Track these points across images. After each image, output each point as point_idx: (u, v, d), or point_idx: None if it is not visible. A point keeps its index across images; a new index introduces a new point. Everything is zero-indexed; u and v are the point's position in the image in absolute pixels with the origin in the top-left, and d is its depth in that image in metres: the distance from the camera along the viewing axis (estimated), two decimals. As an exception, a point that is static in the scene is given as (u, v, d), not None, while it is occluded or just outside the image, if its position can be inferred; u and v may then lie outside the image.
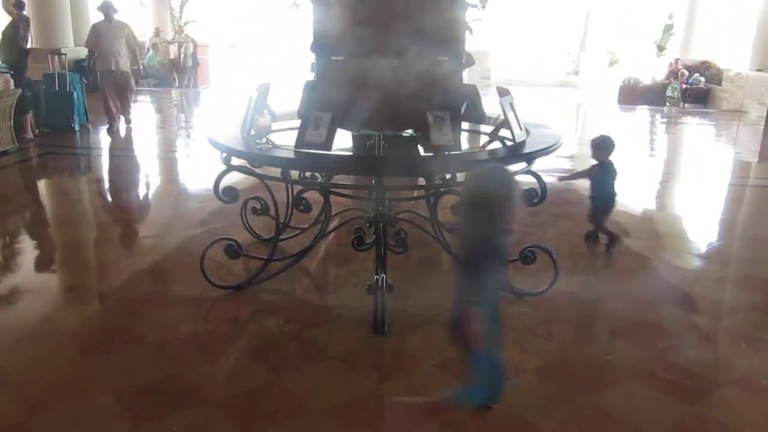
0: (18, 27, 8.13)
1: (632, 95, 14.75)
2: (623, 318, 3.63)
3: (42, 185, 6.85)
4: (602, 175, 4.64)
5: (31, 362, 3.10)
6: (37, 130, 8.50)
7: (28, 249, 4.86)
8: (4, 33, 8.26)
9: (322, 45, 3.86)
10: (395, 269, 3.76)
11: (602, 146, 4.64)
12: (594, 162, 4.67)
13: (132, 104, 9.67)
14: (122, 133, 9.26)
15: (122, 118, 9.37)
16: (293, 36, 17.45)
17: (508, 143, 3.77)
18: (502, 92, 3.75)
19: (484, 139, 4.17)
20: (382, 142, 3.32)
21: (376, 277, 3.45)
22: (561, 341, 3.42)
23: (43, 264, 4.56)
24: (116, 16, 9.00)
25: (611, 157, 4.65)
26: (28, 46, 8.48)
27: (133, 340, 3.33)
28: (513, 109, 3.73)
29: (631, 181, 6.24)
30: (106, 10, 8.86)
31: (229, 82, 16.39)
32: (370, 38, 3.63)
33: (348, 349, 3.26)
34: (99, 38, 8.82)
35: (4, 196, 6.09)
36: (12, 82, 7.55)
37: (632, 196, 6.05)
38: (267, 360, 3.15)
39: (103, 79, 9.01)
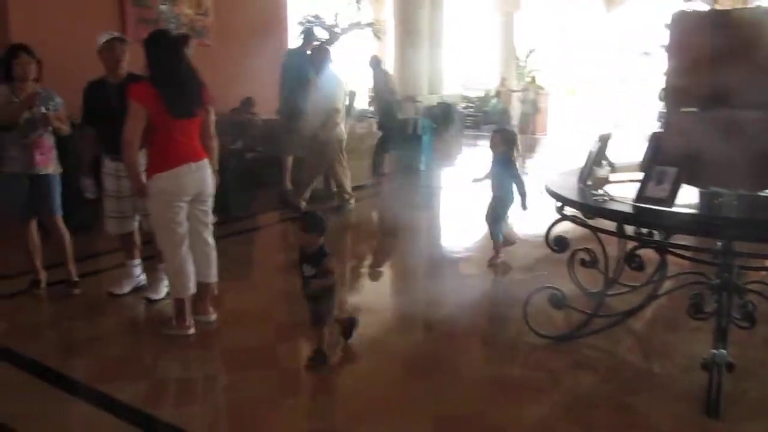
0: (388, 81, 9.36)
1: None
2: None
3: (388, 217, 7.64)
4: None
5: (359, 376, 3.48)
6: (388, 170, 9.49)
7: (371, 273, 5.47)
8: (375, 86, 9.55)
9: (673, 95, 3.65)
10: (737, 345, 3.33)
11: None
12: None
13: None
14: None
15: None
16: (636, 84, 16.81)
17: None
18: None
19: None
20: (735, 202, 3.00)
21: (713, 351, 3.10)
22: None
23: (381, 288, 5.08)
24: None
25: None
26: (396, 96, 9.67)
27: (450, 371, 3.51)
28: None
29: None
30: None
31: (567, 129, 16.43)
32: (729, 90, 3.33)
33: (672, 425, 2.99)
34: None
35: (356, 225, 6.96)
36: (375, 126, 8.65)
37: None
38: (579, 417, 3.05)
39: None
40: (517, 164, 5.35)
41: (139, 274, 4.62)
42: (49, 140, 4.40)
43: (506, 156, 5.28)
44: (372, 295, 4.95)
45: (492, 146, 5.39)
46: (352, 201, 7.24)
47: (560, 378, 3.49)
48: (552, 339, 3.78)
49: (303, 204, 7.04)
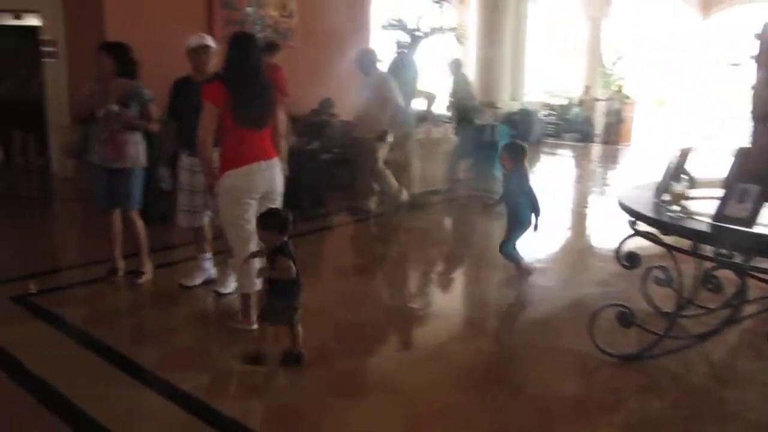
0: (467, 85, 9.28)
1: None
2: None
3: (460, 223, 7.58)
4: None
5: (420, 382, 3.44)
6: (463, 176, 9.42)
7: (441, 278, 5.43)
8: (455, 91, 9.48)
9: (760, 109, 3.45)
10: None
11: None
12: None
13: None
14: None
15: None
16: (727, 96, 16.02)
17: None
18: None
19: None
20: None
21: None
22: None
23: (448, 294, 5.04)
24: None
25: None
26: (474, 102, 9.57)
27: (512, 385, 3.44)
28: None
29: None
30: None
31: (652, 141, 15.85)
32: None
33: (744, 458, 2.82)
34: None
35: (427, 229, 6.94)
36: (451, 131, 8.60)
37: None
38: (644, 443, 2.92)
39: None
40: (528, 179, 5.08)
41: (209, 267, 4.77)
42: (124, 136, 4.56)
43: (517, 172, 5.04)
44: (440, 301, 4.91)
45: (501, 162, 5.21)
46: (403, 196, 7.15)
47: (626, 399, 3.36)
48: (619, 358, 3.64)
49: (371, 206, 7.07)
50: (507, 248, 5.06)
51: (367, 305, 4.68)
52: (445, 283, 5.38)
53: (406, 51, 9.02)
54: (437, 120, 8.76)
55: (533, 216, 4.98)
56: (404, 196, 7.16)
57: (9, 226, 6.59)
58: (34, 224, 6.61)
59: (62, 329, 3.92)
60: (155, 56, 7.17)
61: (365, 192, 7.10)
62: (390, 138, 6.95)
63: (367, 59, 7.01)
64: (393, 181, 7.07)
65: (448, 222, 7.66)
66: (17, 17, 8.95)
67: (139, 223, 4.76)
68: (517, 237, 5.08)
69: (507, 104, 12.87)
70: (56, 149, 8.31)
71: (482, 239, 6.74)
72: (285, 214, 3.48)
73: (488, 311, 4.67)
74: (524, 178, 5.04)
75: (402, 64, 7.66)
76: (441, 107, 11.09)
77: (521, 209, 5.00)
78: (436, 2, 10.86)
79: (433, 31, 10.87)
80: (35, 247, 5.64)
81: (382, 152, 6.96)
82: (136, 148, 4.65)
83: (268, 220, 3.45)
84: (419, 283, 5.34)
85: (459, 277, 5.57)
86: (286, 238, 3.43)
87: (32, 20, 8.64)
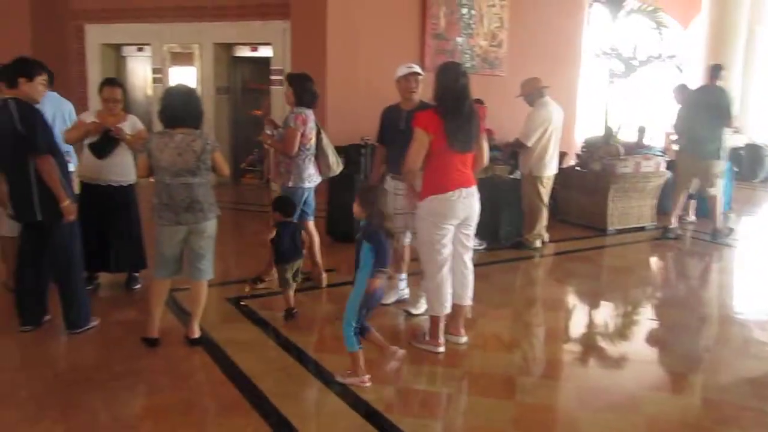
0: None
1: None
2: None
3: (667, 265, 7.05)
4: None
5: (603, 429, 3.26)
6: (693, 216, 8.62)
7: (640, 321, 5.09)
8: (678, 121, 8.71)
9: None
10: None
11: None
12: None
13: None
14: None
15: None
16: None
17: None
18: None
19: None
20: None
21: None
22: None
23: (649, 339, 4.71)
24: None
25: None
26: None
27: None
28: None
29: None
30: None
31: None
32: None
33: None
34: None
35: (628, 268, 6.54)
36: (663, 165, 8.03)
37: None
38: None
39: None
40: None
41: (403, 287, 4.94)
42: (279, 159, 5.04)
43: None
44: (635, 345, 4.61)
45: None
46: (537, 242, 6.88)
47: None
48: None
49: (537, 244, 6.83)
50: None
51: (556, 341, 4.56)
52: (643, 326, 5.03)
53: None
54: (647, 153, 8.26)
55: None
56: (540, 241, 6.92)
57: (237, 235, 7.38)
58: (257, 233, 7.28)
59: (266, 331, 4.31)
60: (370, 85, 7.68)
61: (528, 227, 6.90)
62: (549, 172, 6.75)
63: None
64: (543, 222, 6.86)
65: (653, 262, 7.17)
66: (254, 49, 10.06)
67: (313, 234, 5.20)
68: None
69: (732, 138, 11.74)
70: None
71: (690, 284, 6.24)
72: (287, 199, 4.71)
73: (687, 363, 4.24)
74: None
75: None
76: (656, 139, 10.49)
77: None
78: (655, 29, 10.31)
79: (651, 59, 10.32)
80: (257, 254, 6.18)
81: (543, 187, 6.76)
82: (296, 171, 5.03)
83: (275, 203, 4.66)
84: (613, 323, 5.06)
85: (661, 320, 5.14)
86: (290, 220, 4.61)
87: (266, 51, 9.66)
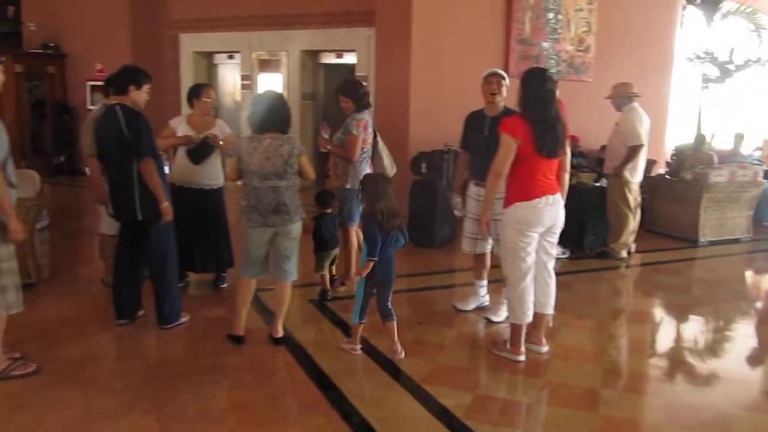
0: None
1: None
2: None
3: (762, 278, 6.69)
4: None
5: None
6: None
7: (732, 337, 4.86)
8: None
9: None
10: None
11: None
12: None
13: None
14: None
15: None
16: None
17: None
18: None
19: None
20: None
21: None
22: None
23: (743, 356, 4.49)
24: None
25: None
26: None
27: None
28: None
29: None
30: None
31: None
32: None
33: None
34: None
35: (721, 281, 6.25)
36: (761, 174, 7.65)
37: None
38: None
39: None
40: None
41: (484, 294, 4.91)
42: (336, 161, 5.12)
43: None
44: (727, 362, 4.40)
45: None
46: (623, 252, 6.64)
47: None
48: None
49: (623, 253, 6.60)
50: None
51: (642, 354, 4.43)
52: (735, 343, 4.78)
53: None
54: (744, 161, 7.88)
55: None
56: (626, 250, 6.68)
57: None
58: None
59: (346, 332, 4.37)
60: (454, 91, 7.67)
61: (613, 237, 6.67)
62: (637, 178, 6.52)
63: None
64: (630, 231, 6.63)
65: (748, 275, 6.82)
66: (339, 56, 10.24)
67: (351, 242, 5.28)
68: None
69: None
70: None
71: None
72: (327, 194, 5.01)
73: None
74: None
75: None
76: (754, 146, 10.00)
77: None
78: (754, 31, 9.84)
79: (748, 63, 9.86)
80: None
81: (630, 193, 6.54)
82: (350, 172, 5.12)
83: (318, 197, 4.99)
84: (704, 338, 4.85)
85: (754, 337, 4.90)
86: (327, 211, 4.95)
87: (350, 58, 9.81)
